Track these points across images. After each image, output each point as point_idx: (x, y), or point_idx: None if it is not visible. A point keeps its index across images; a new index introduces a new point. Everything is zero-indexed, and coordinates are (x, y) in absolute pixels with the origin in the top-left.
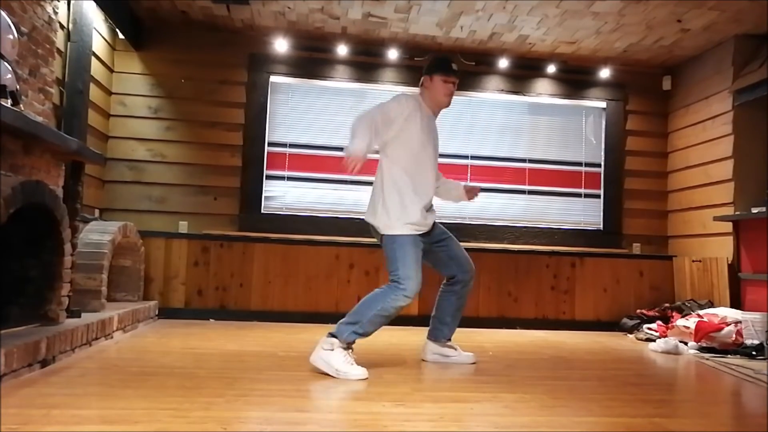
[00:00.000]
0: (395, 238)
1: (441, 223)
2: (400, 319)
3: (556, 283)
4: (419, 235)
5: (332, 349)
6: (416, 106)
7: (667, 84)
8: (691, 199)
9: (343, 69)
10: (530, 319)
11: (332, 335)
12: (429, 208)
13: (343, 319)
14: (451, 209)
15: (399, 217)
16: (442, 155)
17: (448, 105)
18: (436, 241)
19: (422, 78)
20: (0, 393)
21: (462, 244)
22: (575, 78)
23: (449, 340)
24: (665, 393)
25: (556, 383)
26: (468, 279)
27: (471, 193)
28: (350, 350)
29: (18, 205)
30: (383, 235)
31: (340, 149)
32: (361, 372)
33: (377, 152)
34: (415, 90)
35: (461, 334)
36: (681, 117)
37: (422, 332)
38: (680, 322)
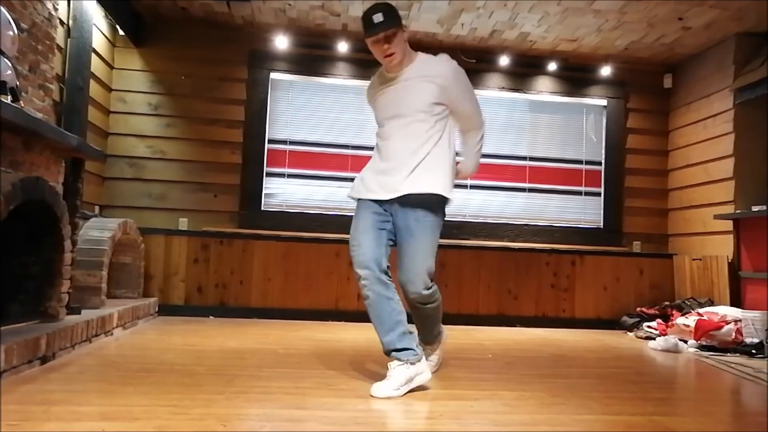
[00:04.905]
0: None
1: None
2: None
3: (556, 281)
4: (378, 203)
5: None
6: (374, 85)
7: (668, 82)
8: (691, 197)
9: (343, 66)
10: (530, 317)
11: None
12: (390, 174)
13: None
14: (452, 207)
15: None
16: None
17: (390, 66)
18: (397, 227)
19: None
20: (0, 389)
21: (462, 241)
22: (576, 76)
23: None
24: (665, 391)
25: (556, 381)
26: (404, 290)
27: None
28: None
29: (18, 202)
30: None
31: (341, 146)
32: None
33: None
34: None
35: (462, 332)
36: (682, 115)
37: None
38: (680, 320)
